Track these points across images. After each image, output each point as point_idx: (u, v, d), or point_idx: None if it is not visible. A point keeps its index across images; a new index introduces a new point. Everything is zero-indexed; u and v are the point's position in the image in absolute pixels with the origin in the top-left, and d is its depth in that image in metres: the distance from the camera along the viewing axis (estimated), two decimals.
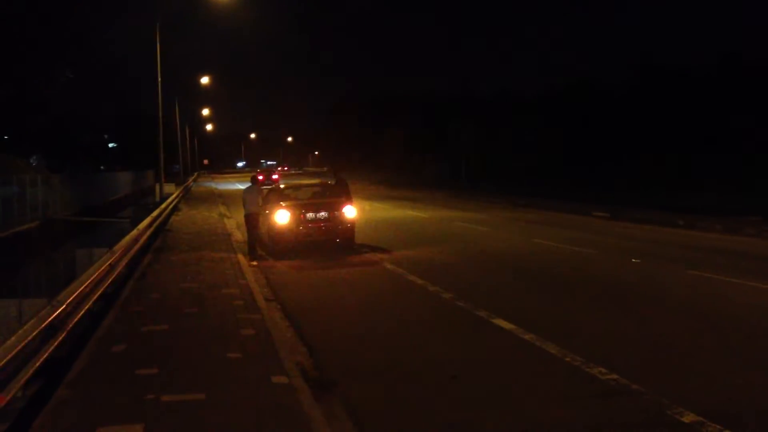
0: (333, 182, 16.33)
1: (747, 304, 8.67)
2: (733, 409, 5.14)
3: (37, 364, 5.25)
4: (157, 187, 35.66)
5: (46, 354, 5.52)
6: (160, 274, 11.15)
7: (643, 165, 35.64)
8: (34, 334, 5.25)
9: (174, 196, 32.21)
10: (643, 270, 11.40)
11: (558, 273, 11.33)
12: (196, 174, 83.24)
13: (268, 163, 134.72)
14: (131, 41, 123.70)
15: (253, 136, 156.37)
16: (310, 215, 13.86)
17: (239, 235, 17.27)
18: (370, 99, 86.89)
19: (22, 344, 4.94)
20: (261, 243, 14.44)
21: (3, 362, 4.53)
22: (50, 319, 5.73)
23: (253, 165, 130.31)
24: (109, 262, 9.13)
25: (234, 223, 20.86)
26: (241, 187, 22.63)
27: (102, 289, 8.37)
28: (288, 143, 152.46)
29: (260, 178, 33.61)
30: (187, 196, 38.54)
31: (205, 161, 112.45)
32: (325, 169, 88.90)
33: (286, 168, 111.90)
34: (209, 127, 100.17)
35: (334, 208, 14.09)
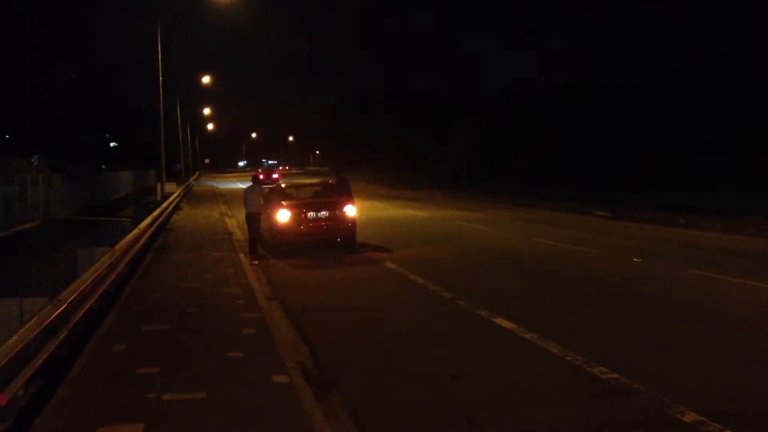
0: (334, 182, 16.34)
1: (748, 303, 8.67)
2: (734, 409, 5.13)
3: (38, 363, 5.25)
4: (159, 186, 35.69)
5: (47, 353, 5.52)
6: (161, 274, 11.16)
7: (644, 165, 35.69)
8: (36, 333, 5.25)
9: (175, 195, 32.17)
10: (643, 269, 11.40)
11: (559, 272, 11.33)
12: (197, 173, 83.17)
13: (270, 162, 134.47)
14: (131, 41, 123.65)
15: (254, 135, 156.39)
16: (311, 214, 13.86)
17: (240, 234, 17.29)
18: (370, 99, 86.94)
19: (23, 343, 4.94)
20: (262, 242, 14.46)
21: (4, 361, 4.53)
22: (51, 318, 5.72)
23: (254, 164, 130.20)
24: (110, 261, 9.13)
25: (235, 222, 20.88)
26: (242, 186, 22.63)
27: (103, 288, 8.38)
28: (289, 143, 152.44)
29: (261, 177, 33.59)
30: (188, 196, 38.55)
31: (207, 160, 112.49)
32: (326, 168, 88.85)
33: (287, 167, 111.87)
34: (210, 126, 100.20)
35: (335, 207, 14.09)
